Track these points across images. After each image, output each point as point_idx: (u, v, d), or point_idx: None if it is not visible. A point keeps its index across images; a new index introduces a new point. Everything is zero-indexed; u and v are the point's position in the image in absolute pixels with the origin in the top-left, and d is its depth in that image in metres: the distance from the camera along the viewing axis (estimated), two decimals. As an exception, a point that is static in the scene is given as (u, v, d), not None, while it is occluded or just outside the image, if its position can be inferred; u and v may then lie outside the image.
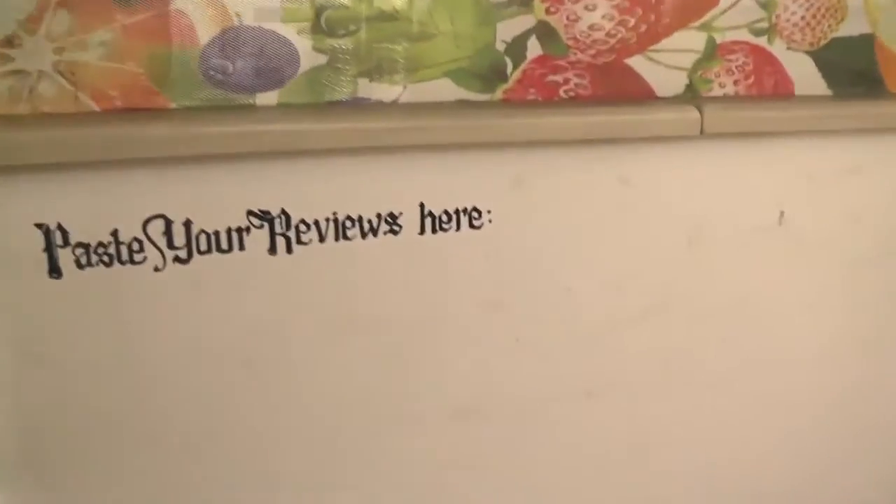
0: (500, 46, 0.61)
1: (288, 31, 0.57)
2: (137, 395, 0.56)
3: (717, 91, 0.67)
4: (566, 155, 0.61)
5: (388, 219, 0.58)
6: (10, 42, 0.53)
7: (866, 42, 0.70)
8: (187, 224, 0.55)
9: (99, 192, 0.53)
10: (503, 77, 0.62)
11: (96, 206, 0.53)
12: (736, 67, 0.67)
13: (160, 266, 0.56)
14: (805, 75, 0.69)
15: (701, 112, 0.61)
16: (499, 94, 0.62)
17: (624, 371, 0.67)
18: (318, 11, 0.57)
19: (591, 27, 0.63)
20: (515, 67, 0.62)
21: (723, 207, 0.66)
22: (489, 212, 0.60)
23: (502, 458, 0.67)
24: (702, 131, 0.61)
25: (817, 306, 0.73)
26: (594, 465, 0.70)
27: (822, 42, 0.69)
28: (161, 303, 0.56)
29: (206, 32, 0.56)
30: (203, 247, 0.56)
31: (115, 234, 0.54)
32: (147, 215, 0.55)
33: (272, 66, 0.57)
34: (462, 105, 0.60)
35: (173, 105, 0.56)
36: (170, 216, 0.55)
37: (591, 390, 0.67)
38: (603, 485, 0.71)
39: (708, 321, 0.69)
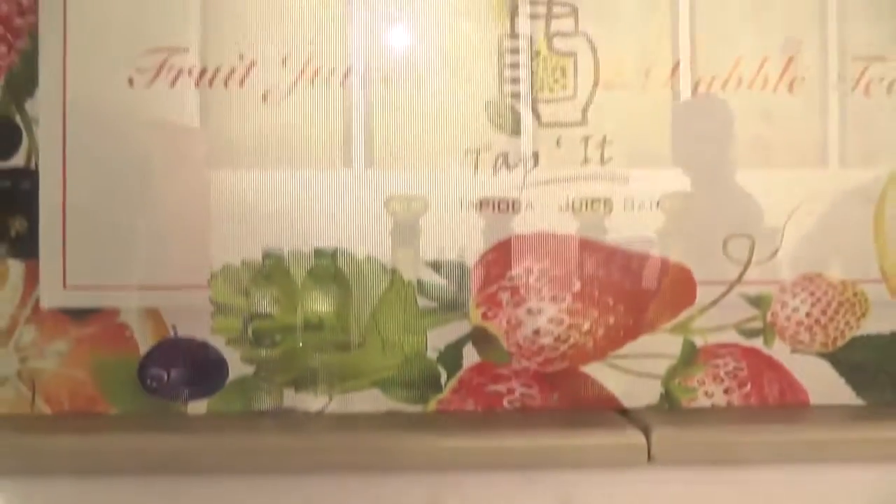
0: (433, 354, 0.58)
1: (217, 342, 0.58)
2: None
3: (702, 401, 0.58)
4: (487, 480, 0.54)
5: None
6: (-15, 353, 0.58)
7: (902, 340, 0.57)
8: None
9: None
10: (437, 387, 0.58)
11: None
12: (725, 374, 0.58)
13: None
14: (822, 381, 0.58)
15: (648, 436, 0.52)
16: (433, 404, 0.58)
17: None
18: (246, 322, 0.58)
19: (536, 332, 0.57)
20: (451, 376, 0.58)
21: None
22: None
23: None
24: (650, 458, 0.52)
25: None
26: None
27: (840, 342, 0.58)
28: None
29: (145, 343, 0.58)
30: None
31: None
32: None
33: (202, 375, 0.58)
34: (385, 418, 0.57)
35: (114, 410, 0.59)
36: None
37: None
38: None
39: None
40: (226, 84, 0.57)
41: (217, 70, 0.57)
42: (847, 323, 0.57)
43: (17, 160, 0.57)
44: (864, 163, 0.59)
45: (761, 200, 0.58)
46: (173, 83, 0.57)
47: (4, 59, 0.57)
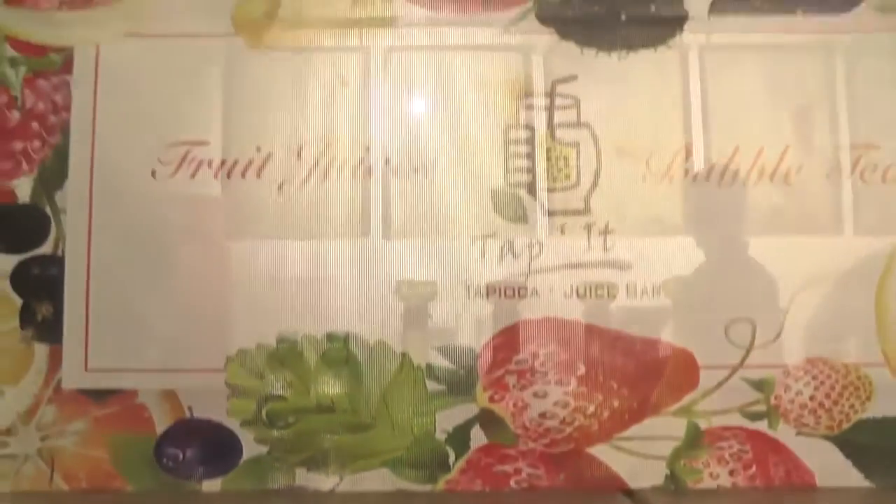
0: (441, 436, 0.59)
1: (232, 424, 0.60)
2: None
3: (708, 483, 0.58)
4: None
5: None
6: (8, 431, 0.60)
7: (907, 422, 0.58)
8: None
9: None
10: (445, 467, 0.59)
11: None
12: (730, 456, 0.58)
13: None
14: (829, 464, 0.58)
15: (653, 523, 0.53)
16: (441, 484, 0.59)
17: None
18: (260, 404, 0.59)
19: (542, 415, 0.58)
20: (459, 457, 0.59)
21: None
22: None
23: None
24: (656, 549, 0.52)
25: None
26: None
27: (845, 425, 0.58)
28: None
29: (161, 423, 0.60)
30: None
31: None
32: None
33: (217, 455, 0.60)
34: (395, 497, 0.58)
35: (130, 488, 0.60)
36: None
37: None
38: None
39: None
40: (243, 175, 0.60)
41: (235, 162, 0.60)
42: (852, 406, 0.58)
43: (46, 248, 0.60)
44: (863, 246, 0.60)
45: (767, 274, 0.59)
46: (194, 174, 0.60)
47: (38, 153, 0.61)
